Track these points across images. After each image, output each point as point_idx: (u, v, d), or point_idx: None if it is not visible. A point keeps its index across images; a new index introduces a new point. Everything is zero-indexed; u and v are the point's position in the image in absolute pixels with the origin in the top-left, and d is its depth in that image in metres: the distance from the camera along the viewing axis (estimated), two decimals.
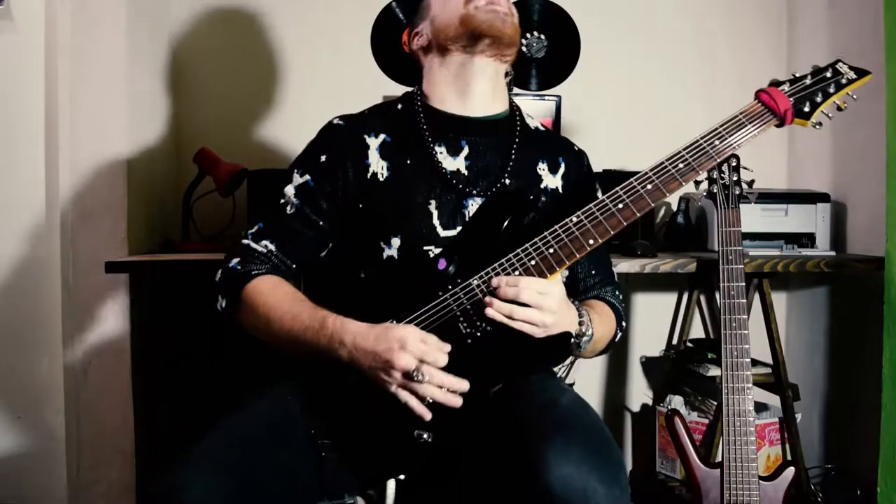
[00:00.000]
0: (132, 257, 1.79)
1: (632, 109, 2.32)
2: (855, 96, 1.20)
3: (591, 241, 1.09)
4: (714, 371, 2.00)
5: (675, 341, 2.32)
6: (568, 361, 2.00)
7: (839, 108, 1.20)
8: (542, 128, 1.36)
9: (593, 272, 1.31)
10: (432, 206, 1.21)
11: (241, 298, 1.15)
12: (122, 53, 1.80)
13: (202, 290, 1.27)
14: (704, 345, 2.15)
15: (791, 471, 1.59)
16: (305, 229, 1.22)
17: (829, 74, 1.19)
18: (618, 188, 1.11)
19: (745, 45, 2.36)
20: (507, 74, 1.33)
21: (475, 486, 1.03)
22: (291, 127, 2.19)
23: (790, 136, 2.38)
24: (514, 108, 1.33)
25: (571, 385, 1.82)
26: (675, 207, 2.16)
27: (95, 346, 1.80)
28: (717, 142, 1.13)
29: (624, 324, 1.31)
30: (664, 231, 2.21)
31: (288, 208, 1.22)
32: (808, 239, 1.98)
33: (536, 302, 1.05)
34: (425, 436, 1.04)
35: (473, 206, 1.21)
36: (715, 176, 1.66)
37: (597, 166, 1.45)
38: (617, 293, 1.34)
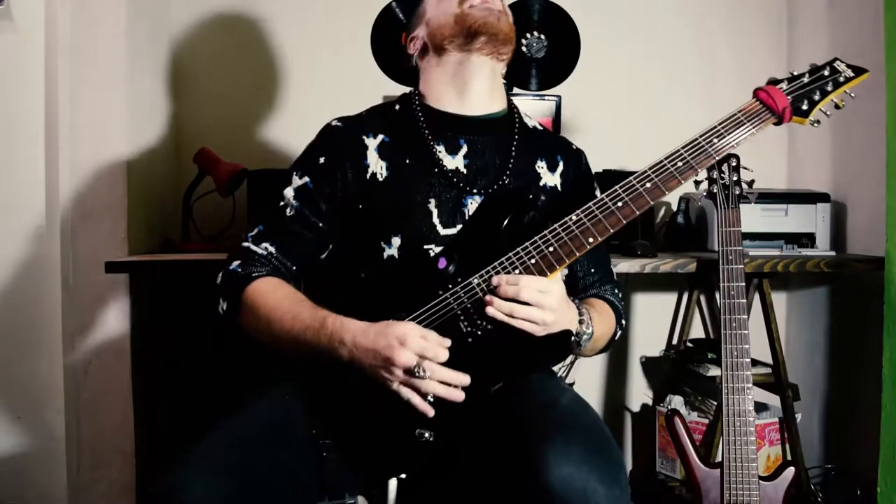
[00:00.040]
0: (132, 257, 1.79)
1: (632, 109, 2.32)
2: (853, 94, 1.20)
3: (590, 240, 1.09)
4: (714, 371, 2.00)
5: (675, 341, 2.32)
6: (568, 361, 2.00)
7: (837, 107, 1.21)
8: (539, 127, 1.37)
9: (592, 270, 1.32)
10: (432, 205, 1.21)
11: (242, 301, 1.16)
12: (122, 53, 1.80)
13: (202, 290, 1.27)
14: (704, 345, 2.15)
15: (791, 471, 1.59)
16: (305, 231, 1.22)
17: (826, 73, 1.20)
18: (617, 186, 1.11)
19: (745, 45, 2.36)
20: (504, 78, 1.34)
21: (475, 485, 1.03)
22: (292, 127, 2.19)
23: (790, 136, 2.38)
24: (512, 108, 1.34)
25: (571, 385, 1.82)
26: (675, 207, 2.17)
27: (95, 346, 1.80)
28: (715, 140, 1.13)
29: (623, 322, 1.31)
30: (664, 231, 2.21)
31: (287, 210, 1.22)
32: (808, 239, 1.98)
33: (537, 300, 1.05)
34: (427, 435, 1.04)
35: (473, 204, 1.22)
36: (715, 176, 1.66)
37: (597, 166, 1.45)
38: (616, 291, 1.34)
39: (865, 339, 1.92)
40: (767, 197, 1.95)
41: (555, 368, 1.61)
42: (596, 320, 1.20)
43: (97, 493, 1.81)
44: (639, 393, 2.37)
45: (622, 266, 1.77)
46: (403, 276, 1.14)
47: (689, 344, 2.20)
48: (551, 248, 1.09)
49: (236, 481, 0.92)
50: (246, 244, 1.21)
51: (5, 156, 1.67)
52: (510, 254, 1.09)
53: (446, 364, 1.03)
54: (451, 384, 1.03)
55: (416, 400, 1.03)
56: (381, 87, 1.69)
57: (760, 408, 2.14)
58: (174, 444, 1.03)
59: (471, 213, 1.21)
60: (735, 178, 1.65)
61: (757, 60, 2.35)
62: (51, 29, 1.70)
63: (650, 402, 2.32)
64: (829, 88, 1.19)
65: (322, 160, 1.24)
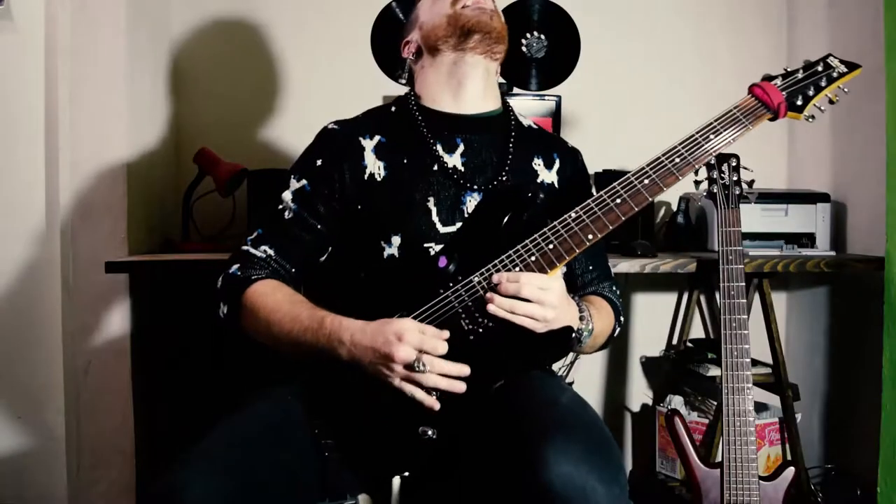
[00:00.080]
0: (132, 257, 1.79)
1: (632, 109, 2.32)
2: (847, 90, 1.21)
3: (590, 237, 1.10)
4: (714, 371, 2.00)
5: (675, 341, 2.32)
6: (568, 360, 2.00)
7: (831, 102, 1.23)
8: (534, 126, 1.38)
9: (590, 268, 1.32)
10: (431, 203, 1.21)
11: (242, 304, 1.16)
12: (122, 54, 1.80)
13: (202, 291, 1.27)
14: (704, 345, 2.15)
15: (791, 471, 1.59)
16: (304, 234, 1.23)
17: (820, 68, 1.21)
18: (615, 183, 1.12)
19: (745, 45, 2.36)
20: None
21: (476, 482, 1.03)
22: (291, 127, 2.19)
23: (790, 136, 2.38)
24: (506, 106, 1.35)
25: (571, 384, 1.82)
26: (675, 207, 2.17)
27: (95, 346, 1.80)
28: (712, 136, 1.15)
29: (622, 318, 1.32)
30: (664, 231, 2.21)
31: (286, 213, 1.23)
32: (808, 239, 1.98)
33: (537, 297, 1.06)
34: (430, 432, 1.04)
35: (472, 201, 1.22)
36: (715, 176, 1.66)
37: (597, 166, 1.46)
38: (614, 289, 1.35)
39: (865, 339, 1.92)
40: (767, 197, 1.95)
41: (555, 368, 1.61)
42: (595, 317, 1.21)
43: (97, 493, 1.81)
44: (639, 393, 2.37)
45: (622, 266, 1.77)
46: (404, 276, 1.15)
47: (689, 344, 2.20)
48: (551, 246, 1.09)
49: (236, 481, 0.92)
50: (245, 248, 1.22)
51: (5, 156, 1.67)
52: (510, 251, 1.10)
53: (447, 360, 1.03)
54: (451, 376, 1.03)
55: (420, 395, 1.03)
56: (381, 88, 1.70)
57: (760, 408, 2.14)
58: (174, 444, 1.03)
59: (469, 210, 1.21)
60: (735, 178, 1.65)
61: (757, 60, 2.35)
62: (51, 29, 1.70)
63: (650, 402, 2.32)
64: (823, 84, 1.20)
65: (319, 163, 1.24)
